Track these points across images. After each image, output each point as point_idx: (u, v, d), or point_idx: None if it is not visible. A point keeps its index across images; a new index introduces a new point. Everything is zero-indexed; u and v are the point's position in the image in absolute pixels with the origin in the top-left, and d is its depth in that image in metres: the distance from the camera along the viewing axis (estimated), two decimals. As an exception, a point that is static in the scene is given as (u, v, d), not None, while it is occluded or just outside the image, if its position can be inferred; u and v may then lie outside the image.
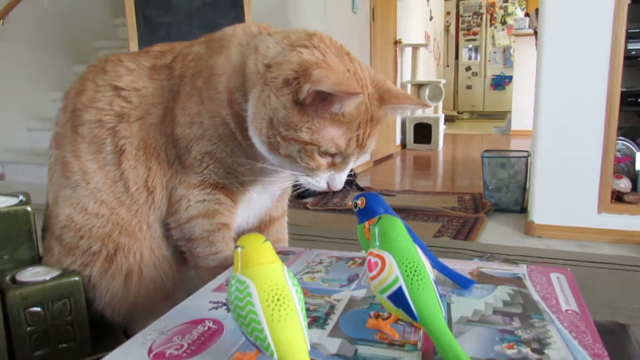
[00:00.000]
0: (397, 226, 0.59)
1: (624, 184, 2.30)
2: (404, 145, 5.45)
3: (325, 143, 0.80)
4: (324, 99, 0.77)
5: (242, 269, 0.52)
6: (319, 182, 0.85)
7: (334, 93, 0.74)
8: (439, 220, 2.57)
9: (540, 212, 2.31)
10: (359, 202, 0.74)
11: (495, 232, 2.37)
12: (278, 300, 0.49)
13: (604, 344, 0.55)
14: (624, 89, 2.19)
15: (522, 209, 2.67)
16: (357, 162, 0.93)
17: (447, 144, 5.79)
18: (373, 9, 4.35)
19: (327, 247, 2.07)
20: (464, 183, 3.66)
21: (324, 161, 0.83)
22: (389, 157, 4.81)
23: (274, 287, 0.50)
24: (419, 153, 5.15)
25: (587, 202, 2.22)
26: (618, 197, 2.27)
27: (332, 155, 0.83)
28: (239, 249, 0.53)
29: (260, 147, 0.85)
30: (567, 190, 2.24)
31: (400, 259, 0.55)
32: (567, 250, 2.08)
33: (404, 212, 2.72)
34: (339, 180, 0.86)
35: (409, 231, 0.63)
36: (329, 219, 2.58)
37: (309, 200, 2.94)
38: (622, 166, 2.41)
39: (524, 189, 2.69)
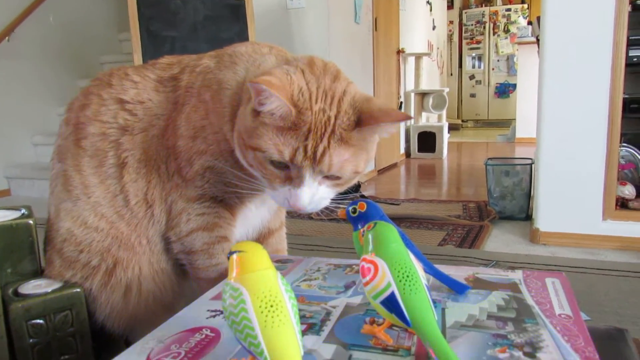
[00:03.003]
0: (390, 232, 0.59)
1: (629, 191, 2.29)
2: (408, 154, 5.45)
3: (268, 148, 0.78)
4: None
5: (236, 276, 0.52)
6: (278, 195, 0.83)
7: (250, 84, 0.76)
8: (443, 229, 2.57)
9: (545, 219, 2.30)
10: (357, 206, 0.75)
11: (500, 240, 2.37)
12: (271, 306, 0.50)
13: (602, 349, 0.55)
14: (626, 96, 2.19)
15: (527, 216, 2.66)
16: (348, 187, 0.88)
17: (451, 152, 5.79)
18: (375, 19, 4.38)
19: (331, 257, 2.07)
20: (469, 191, 3.65)
21: (279, 172, 0.81)
22: (393, 165, 4.81)
23: (267, 293, 0.51)
24: (423, 162, 5.16)
25: (591, 209, 2.22)
26: (623, 203, 2.27)
27: (286, 168, 0.80)
28: (234, 256, 0.54)
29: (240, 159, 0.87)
30: (571, 197, 2.24)
31: (393, 265, 0.56)
32: (573, 257, 2.07)
33: (408, 221, 2.72)
34: (295, 196, 0.80)
35: (403, 237, 0.64)
36: (333, 229, 2.58)
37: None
38: (626, 173, 2.41)
39: (528, 197, 2.68)
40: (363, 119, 0.80)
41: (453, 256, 2.10)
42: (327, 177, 0.82)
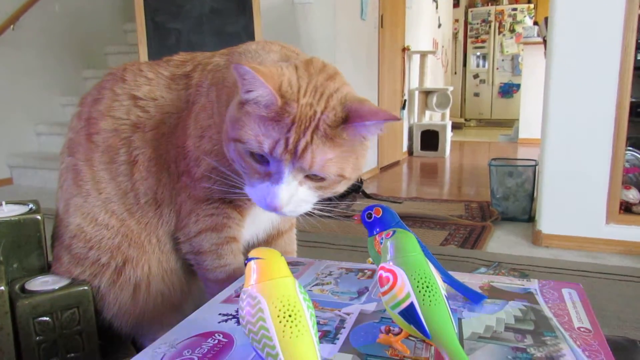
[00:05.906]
0: (410, 241, 0.58)
1: (633, 195, 2.29)
2: (410, 152, 5.44)
3: (248, 139, 0.74)
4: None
5: (254, 283, 0.52)
6: (256, 193, 0.78)
7: (234, 66, 0.72)
8: (445, 229, 2.56)
9: (548, 221, 2.30)
10: (373, 212, 0.74)
11: (502, 241, 2.36)
12: (290, 316, 0.49)
13: (615, 360, 0.54)
14: (634, 100, 2.18)
15: (530, 218, 2.66)
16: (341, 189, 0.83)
17: (454, 151, 5.78)
18: (382, 16, 4.36)
19: (334, 254, 2.07)
20: (471, 191, 3.65)
21: (258, 167, 0.77)
22: (395, 163, 4.80)
23: (285, 302, 0.50)
24: (426, 160, 5.15)
25: (595, 212, 2.21)
26: (627, 208, 2.26)
27: (266, 163, 0.76)
28: (251, 263, 0.53)
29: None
30: (575, 200, 2.23)
31: (412, 275, 0.55)
32: (575, 261, 2.07)
33: (411, 220, 2.71)
34: (273, 194, 0.75)
35: (421, 245, 0.63)
36: (335, 226, 2.58)
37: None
38: (630, 177, 2.40)
39: (531, 198, 2.68)
40: (350, 117, 0.75)
41: (455, 256, 2.09)
42: (309, 177, 0.77)
